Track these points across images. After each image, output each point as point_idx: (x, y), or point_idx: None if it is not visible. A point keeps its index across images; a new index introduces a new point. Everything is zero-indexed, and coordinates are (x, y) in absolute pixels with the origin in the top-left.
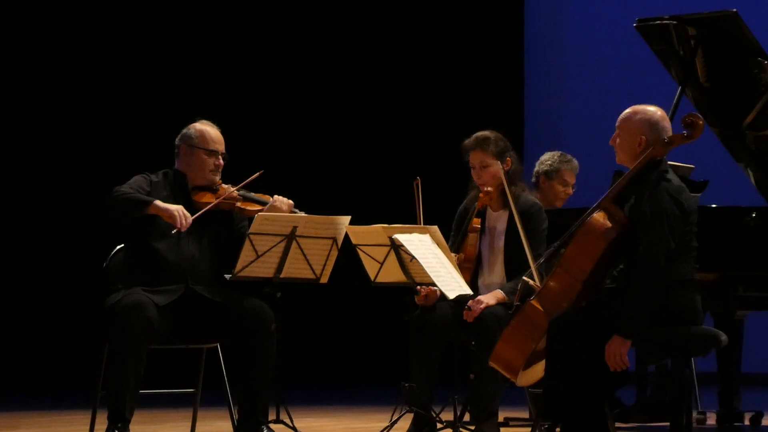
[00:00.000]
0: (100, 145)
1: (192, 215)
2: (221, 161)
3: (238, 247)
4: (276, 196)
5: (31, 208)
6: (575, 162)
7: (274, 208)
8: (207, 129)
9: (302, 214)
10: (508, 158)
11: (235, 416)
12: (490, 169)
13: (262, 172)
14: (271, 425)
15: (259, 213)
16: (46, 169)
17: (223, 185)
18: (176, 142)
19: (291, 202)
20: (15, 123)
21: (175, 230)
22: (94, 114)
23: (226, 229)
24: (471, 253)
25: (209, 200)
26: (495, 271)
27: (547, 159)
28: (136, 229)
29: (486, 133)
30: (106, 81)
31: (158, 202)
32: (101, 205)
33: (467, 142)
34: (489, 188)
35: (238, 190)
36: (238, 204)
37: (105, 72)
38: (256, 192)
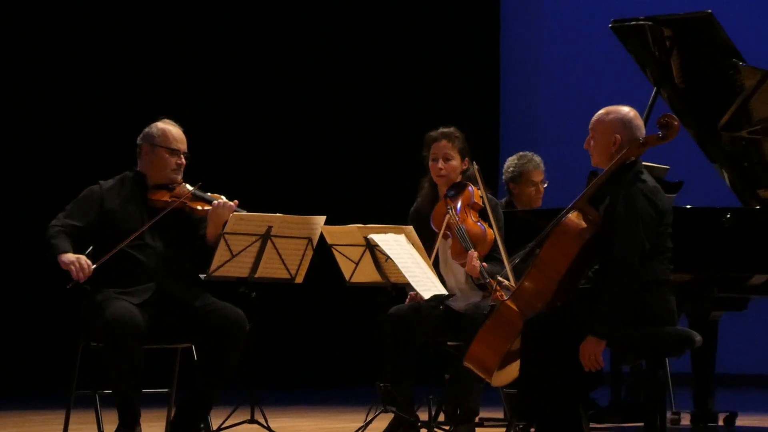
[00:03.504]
0: (68, 146)
1: (148, 215)
2: (183, 160)
3: (203, 247)
4: (218, 201)
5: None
6: (537, 159)
7: (216, 212)
8: (169, 128)
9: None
10: (467, 158)
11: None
12: (452, 163)
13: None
14: (246, 425)
15: (234, 213)
16: (14, 169)
17: (181, 185)
18: (138, 141)
19: (232, 204)
20: None
21: (71, 284)
22: (59, 115)
23: (190, 228)
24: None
25: (164, 198)
26: (457, 271)
27: (510, 165)
28: (99, 233)
29: (451, 128)
30: (72, 83)
31: (61, 257)
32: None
33: (433, 133)
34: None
35: (193, 191)
36: (188, 203)
37: (69, 74)
38: (212, 192)
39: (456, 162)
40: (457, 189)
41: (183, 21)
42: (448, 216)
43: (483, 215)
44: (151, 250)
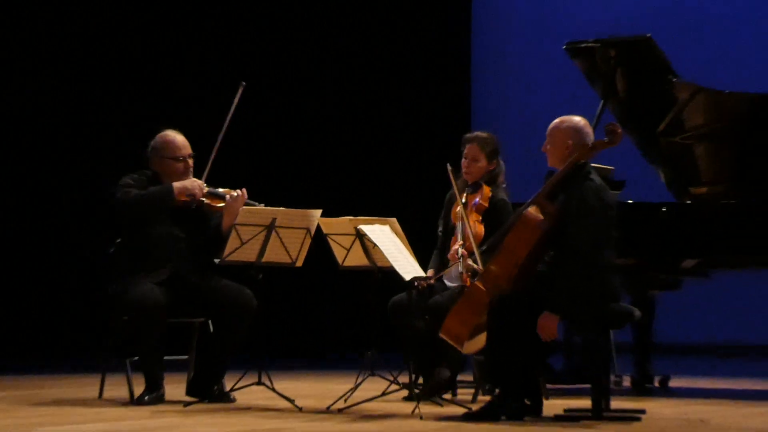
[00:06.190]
0: (95, 140)
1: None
2: (189, 163)
3: (215, 236)
4: (230, 195)
5: (32, 202)
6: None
7: (231, 206)
8: (171, 138)
9: (279, 208)
10: (495, 160)
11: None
12: (477, 164)
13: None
14: (254, 386)
15: (243, 207)
16: (43, 165)
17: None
18: (147, 153)
19: (244, 196)
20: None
21: (195, 205)
22: (82, 110)
23: (203, 219)
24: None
25: (182, 198)
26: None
27: None
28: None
29: (485, 133)
30: (103, 78)
31: (176, 184)
32: (117, 204)
33: (468, 135)
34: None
35: (208, 190)
36: (206, 202)
37: (103, 71)
38: (223, 187)
39: (482, 163)
40: (473, 188)
41: (183, 17)
42: (458, 209)
43: (487, 215)
44: (170, 239)
